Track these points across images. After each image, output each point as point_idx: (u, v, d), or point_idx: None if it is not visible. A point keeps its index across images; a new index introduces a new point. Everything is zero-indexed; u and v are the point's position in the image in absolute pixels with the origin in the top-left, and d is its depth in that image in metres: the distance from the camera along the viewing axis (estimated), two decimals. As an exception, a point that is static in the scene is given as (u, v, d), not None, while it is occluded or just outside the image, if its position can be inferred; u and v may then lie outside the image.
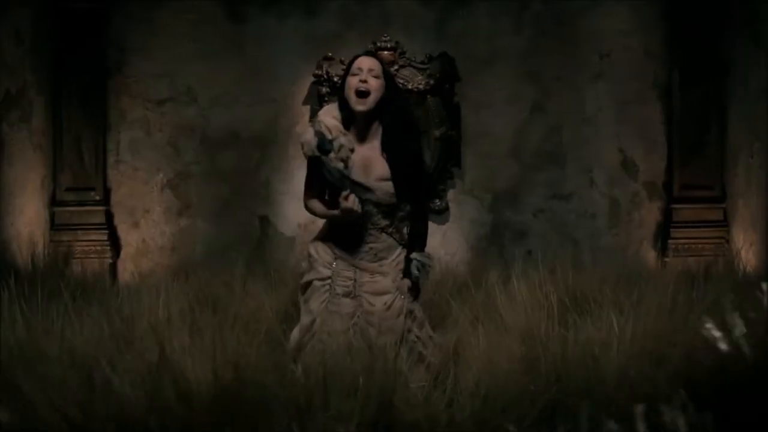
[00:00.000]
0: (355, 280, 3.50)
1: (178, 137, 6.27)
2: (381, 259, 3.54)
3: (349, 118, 3.54)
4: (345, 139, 3.47)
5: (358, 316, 3.47)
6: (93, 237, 6.14)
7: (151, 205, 6.27)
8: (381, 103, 3.51)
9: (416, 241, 3.60)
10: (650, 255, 6.29)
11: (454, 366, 3.31)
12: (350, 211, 3.43)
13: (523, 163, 6.32)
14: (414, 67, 6.14)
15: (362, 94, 3.48)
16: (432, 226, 6.13)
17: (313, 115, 6.06)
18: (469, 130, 6.29)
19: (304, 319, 3.55)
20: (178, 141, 6.27)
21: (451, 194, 6.34)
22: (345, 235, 3.54)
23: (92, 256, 6.08)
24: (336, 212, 3.48)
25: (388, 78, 3.61)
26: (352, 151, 3.47)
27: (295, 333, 3.59)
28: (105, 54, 6.18)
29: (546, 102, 6.32)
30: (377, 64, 3.59)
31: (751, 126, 5.85)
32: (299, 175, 6.14)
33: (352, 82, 3.51)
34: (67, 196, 6.17)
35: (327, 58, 6.10)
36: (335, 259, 3.54)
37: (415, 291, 3.59)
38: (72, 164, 6.18)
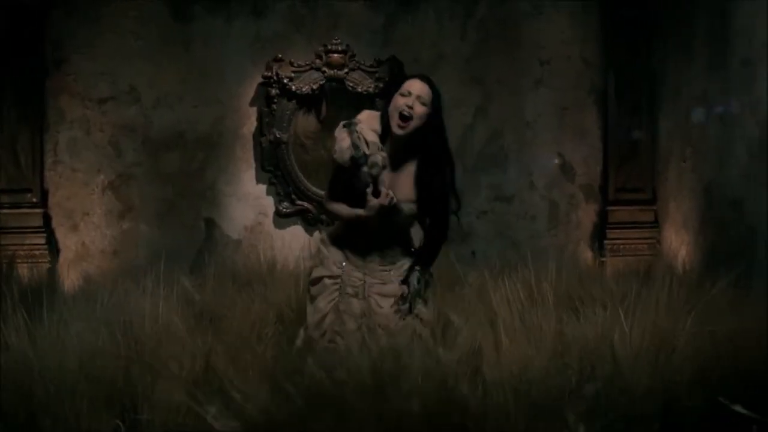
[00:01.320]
0: (364, 282, 3.54)
1: (120, 138, 6.11)
2: (389, 264, 3.58)
3: (386, 131, 3.53)
4: (380, 158, 3.43)
5: (367, 318, 3.51)
6: (30, 240, 5.90)
7: (91, 208, 6.08)
8: (422, 129, 3.50)
9: (425, 256, 3.63)
10: (587, 255, 6.55)
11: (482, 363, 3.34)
12: (379, 207, 3.40)
13: (467, 165, 6.45)
14: (363, 71, 6.18)
15: (405, 119, 3.45)
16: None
17: (261, 116, 6.12)
18: (415, 133, 6.37)
19: (312, 317, 3.56)
20: (120, 142, 6.11)
21: (397, 196, 6.41)
22: (356, 239, 3.57)
23: (29, 260, 5.85)
24: (361, 211, 3.49)
25: (436, 108, 3.55)
26: (384, 168, 3.44)
27: (303, 332, 3.59)
28: (44, 51, 5.96)
29: (489, 106, 6.48)
30: (428, 91, 3.52)
31: (683, 133, 6.16)
32: (246, 177, 6.23)
33: (399, 102, 3.49)
34: (2, 198, 5.91)
35: (277, 60, 6.07)
36: (345, 259, 3.57)
37: (406, 300, 3.62)
38: (7, 165, 5.92)
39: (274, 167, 6.17)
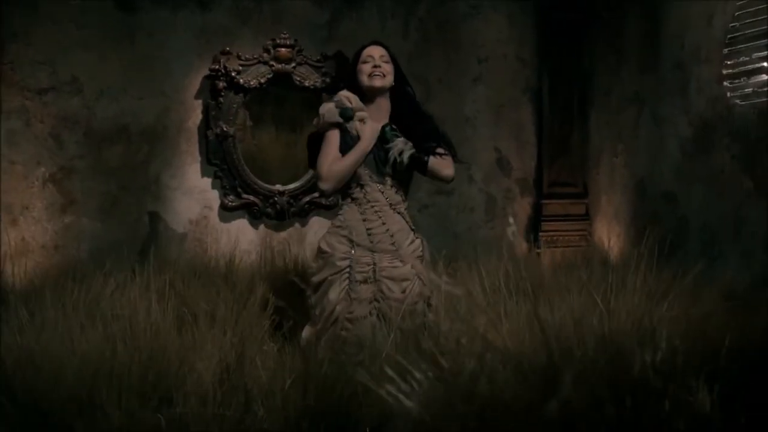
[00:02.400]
0: (374, 265, 3.64)
1: (61, 130, 5.93)
2: (396, 242, 3.70)
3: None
4: (365, 113, 3.83)
5: (378, 301, 3.61)
6: (-34, 235, 5.70)
7: (31, 202, 5.90)
8: (394, 90, 3.88)
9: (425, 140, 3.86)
10: (522, 246, 6.81)
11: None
12: (373, 129, 3.77)
13: (408, 160, 6.60)
14: (310, 65, 6.23)
15: (377, 77, 3.86)
16: (323, 222, 6.38)
17: (207, 109, 6.10)
18: (358, 128, 6.48)
19: (322, 311, 3.62)
20: (61, 134, 5.93)
21: (341, 190, 6.50)
22: (362, 219, 3.68)
23: (-35, 255, 5.65)
24: (363, 142, 3.76)
25: (396, 63, 3.99)
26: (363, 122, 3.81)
27: (307, 330, 3.65)
28: (-21, 38, 5.75)
29: (430, 103, 6.60)
30: (385, 51, 3.95)
31: (615, 130, 6.50)
32: (191, 170, 6.19)
33: (366, 68, 3.78)
34: (-64, 192, 5.68)
35: (224, 53, 6.05)
36: (353, 247, 3.66)
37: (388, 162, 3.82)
38: (-60, 157, 5.69)
39: (220, 161, 6.15)
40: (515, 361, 2.37)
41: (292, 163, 6.33)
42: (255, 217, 6.29)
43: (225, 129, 6.08)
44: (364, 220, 3.73)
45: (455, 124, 6.67)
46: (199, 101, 6.16)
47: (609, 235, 6.55)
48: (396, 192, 3.85)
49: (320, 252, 3.77)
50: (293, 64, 6.16)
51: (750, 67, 5.15)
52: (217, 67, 6.03)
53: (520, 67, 6.81)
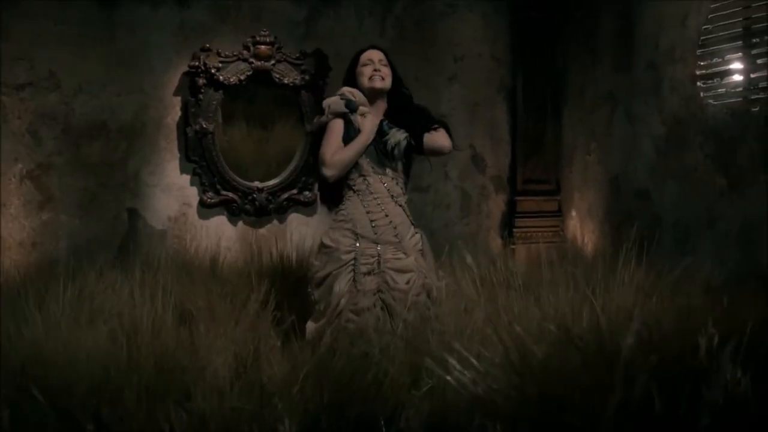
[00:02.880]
0: (378, 257, 3.70)
1: (39, 126, 5.88)
2: (399, 234, 3.78)
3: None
4: (366, 107, 3.96)
5: (382, 292, 3.67)
6: (-58, 233, 5.62)
7: (8, 198, 5.83)
8: (392, 93, 4.08)
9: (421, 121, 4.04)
10: (496, 242, 6.93)
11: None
12: (373, 123, 3.91)
13: (386, 157, 6.67)
14: (289, 63, 6.26)
15: (377, 80, 3.98)
16: (301, 218, 6.42)
17: (186, 106, 6.10)
18: (336, 126, 6.52)
19: (327, 305, 3.66)
20: (39, 130, 5.88)
21: (318, 187, 6.53)
22: (366, 211, 3.75)
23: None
24: (364, 133, 3.89)
25: (392, 66, 4.09)
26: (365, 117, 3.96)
27: (311, 324, 3.69)
28: (-45, 33, 5.67)
29: (407, 101, 6.71)
30: (383, 55, 4.02)
31: (588, 128, 6.64)
32: (170, 167, 6.18)
33: (366, 71, 3.86)
34: None
35: (204, 50, 6.04)
36: (357, 239, 3.72)
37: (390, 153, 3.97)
38: None
39: (199, 157, 6.15)
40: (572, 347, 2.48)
41: (271, 160, 6.37)
42: (234, 213, 6.30)
43: (204, 126, 6.08)
44: (368, 212, 3.80)
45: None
46: (178, 98, 6.15)
47: (583, 232, 6.69)
48: (396, 183, 3.94)
49: (323, 247, 3.82)
50: (273, 62, 6.18)
51: (723, 68, 5.33)
52: (196, 63, 6.03)
53: (495, 66, 6.92)
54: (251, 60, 6.13)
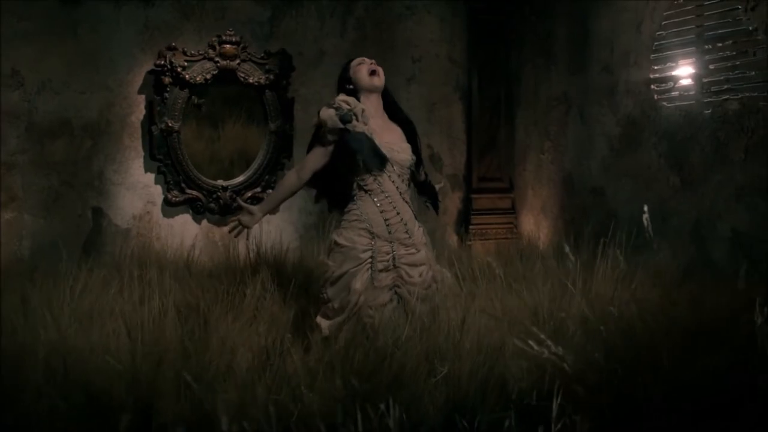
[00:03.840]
0: (393, 254, 3.83)
1: (2, 124, 5.80)
2: (409, 230, 3.92)
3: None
4: (361, 106, 4.01)
5: (398, 287, 3.81)
6: None
7: (-30, 197, 5.76)
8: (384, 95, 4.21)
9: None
10: (453, 239, 7.13)
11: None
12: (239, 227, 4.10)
13: (347, 156, 6.79)
14: (254, 62, 6.32)
15: (375, 73, 4.14)
16: (267, 217, 6.49)
17: (151, 105, 6.10)
18: (299, 125, 6.61)
19: (343, 302, 3.76)
20: (2, 128, 5.79)
21: (282, 185, 6.62)
22: (379, 211, 3.86)
23: None
24: (266, 205, 4.23)
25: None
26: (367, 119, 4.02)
27: (325, 321, 3.78)
28: None
29: (367, 100, 6.84)
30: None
31: (542, 128, 6.89)
32: (134, 166, 6.19)
33: (363, 70, 4.10)
34: None
35: (170, 48, 6.05)
36: (373, 238, 3.83)
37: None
38: None
39: (164, 156, 6.16)
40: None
41: (236, 158, 6.43)
42: (198, 212, 6.33)
43: (170, 124, 6.09)
44: (382, 212, 3.90)
45: (391, 121, 6.92)
46: (143, 96, 6.15)
47: (537, 228, 6.94)
48: (402, 180, 4.05)
49: (338, 246, 3.89)
50: (238, 61, 6.23)
51: (676, 72, 5.62)
52: (162, 62, 6.04)
53: (452, 67, 7.11)
54: (217, 59, 6.17)
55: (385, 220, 3.90)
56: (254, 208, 4.16)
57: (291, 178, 4.19)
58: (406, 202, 4.05)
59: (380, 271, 3.82)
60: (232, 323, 3.29)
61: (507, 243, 6.91)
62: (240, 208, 4.22)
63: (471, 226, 7.09)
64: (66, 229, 5.98)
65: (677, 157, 5.62)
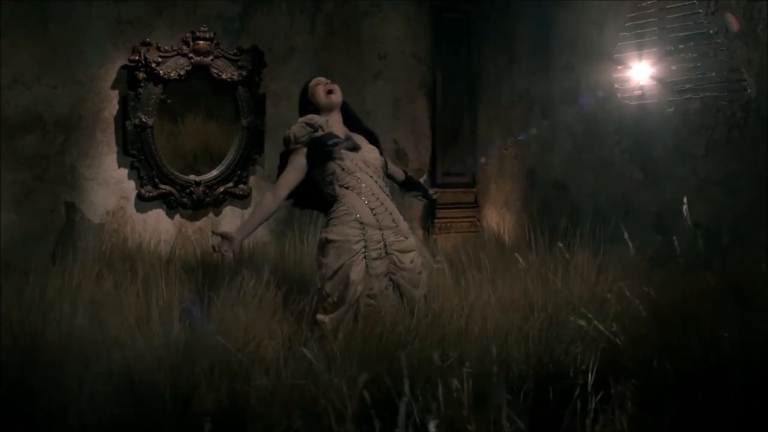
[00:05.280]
0: (383, 241, 3.99)
1: (-27, 119, 5.75)
2: (395, 219, 4.11)
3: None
4: (323, 119, 4.28)
5: (393, 273, 3.96)
6: None
7: (-59, 193, 5.68)
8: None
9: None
10: (419, 233, 7.30)
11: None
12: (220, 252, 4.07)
13: (316, 151, 6.90)
14: (227, 58, 6.38)
15: (332, 91, 4.40)
16: (236, 211, 6.58)
17: (125, 100, 6.11)
18: (270, 121, 6.68)
19: (342, 294, 3.88)
20: (-27, 123, 5.76)
21: (252, 180, 6.70)
22: (365, 202, 4.02)
23: None
24: (244, 229, 4.21)
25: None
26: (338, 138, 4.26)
27: (325, 317, 3.90)
28: None
29: (335, 96, 6.97)
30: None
31: (505, 124, 7.11)
32: (107, 161, 6.21)
33: (320, 89, 4.40)
34: None
35: (144, 44, 6.06)
36: (363, 228, 3.97)
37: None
38: None
39: (137, 151, 6.17)
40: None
41: (208, 154, 6.48)
42: (171, 207, 6.36)
43: (144, 120, 6.11)
44: (367, 203, 4.08)
45: (358, 116, 7.06)
46: (116, 92, 6.14)
47: (500, 222, 7.16)
48: (380, 176, 4.25)
49: (331, 243, 4.01)
50: (211, 57, 6.28)
51: (639, 72, 5.89)
52: (137, 57, 6.05)
53: (416, 64, 7.29)
54: (190, 55, 6.20)
55: (372, 209, 4.09)
56: (232, 234, 4.12)
57: (267, 200, 4.29)
58: (387, 195, 4.23)
59: (374, 259, 3.98)
60: (247, 312, 3.38)
61: (470, 236, 7.12)
62: (220, 236, 4.12)
63: (435, 220, 7.28)
64: (39, 224, 5.94)
65: (640, 152, 5.89)
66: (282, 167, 4.37)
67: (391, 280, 4.02)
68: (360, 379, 2.70)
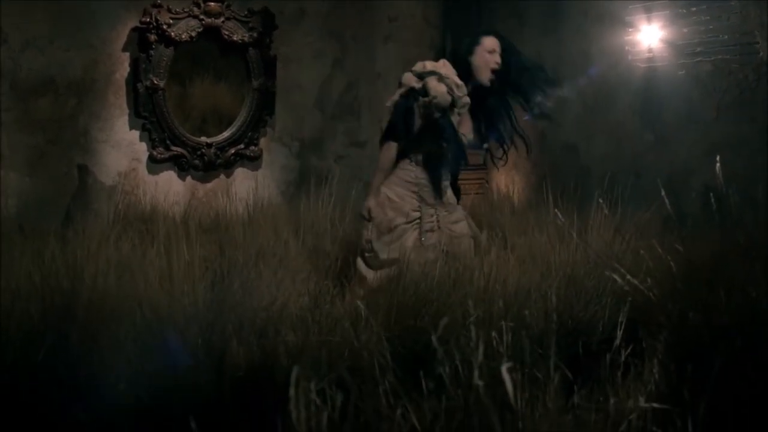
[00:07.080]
0: (437, 215, 4.06)
1: (-14, 82, 5.76)
2: (444, 195, 4.21)
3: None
4: (468, 99, 4.20)
5: (446, 244, 4.06)
6: None
7: (-45, 156, 5.70)
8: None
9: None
10: (428, 195, 7.33)
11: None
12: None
13: (326, 113, 6.95)
14: (238, 20, 6.37)
15: (493, 72, 4.25)
16: (247, 173, 6.62)
17: (137, 62, 6.09)
18: (280, 83, 6.70)
19: (391, 255, 3.95)
20: (-14, 86, 5.76)
21: (263, 142, 6.72)
22: (428, 181, 4.08)
23: None
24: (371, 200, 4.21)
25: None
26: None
27: (369, 271, 3.97)
28: None
29: (345, 59, 6.99)
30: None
31: (514, 87, 7.11)
32: (119, 123, 6.24)
33: (490, 59, 4.25)
34: None
35: (155, 6, 6.05)
36: (421, 201, 4.06)
37: None
38: None
39: (149, 113, 6.18)
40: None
41: (218, 116, 6.51)
42: (183, 169, 6.40)
43: (155, 82, 6.12)
44: (430, 184, 4.19)
45: (368, 80, 7.09)
46: (127, 54, 6.15)
47: (509, 184, 7.20)
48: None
49: (389, 200, 4.14)
50: (222, 19, 6.28)
51: (650, 35, 5.89)
52: (148, 19, 6.04)
53: (426, 27, 7.28)
54: (201, 17, 6.20)
55: (432, 190, 4.15)
56: (371, 203, 4.24)
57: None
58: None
59: (428, 231, 4.07)
60: (272, 272, 3.43)
61: (479, 198, 7.16)
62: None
63: (444, 182, 7.30)
64: (52, 187, 5.98)
65: (650, 115, 5.92)
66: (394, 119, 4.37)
67: (445, 251, 4.10)
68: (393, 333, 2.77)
